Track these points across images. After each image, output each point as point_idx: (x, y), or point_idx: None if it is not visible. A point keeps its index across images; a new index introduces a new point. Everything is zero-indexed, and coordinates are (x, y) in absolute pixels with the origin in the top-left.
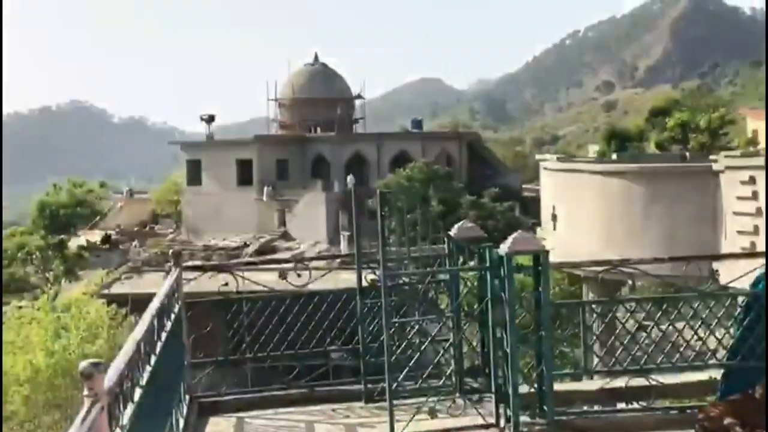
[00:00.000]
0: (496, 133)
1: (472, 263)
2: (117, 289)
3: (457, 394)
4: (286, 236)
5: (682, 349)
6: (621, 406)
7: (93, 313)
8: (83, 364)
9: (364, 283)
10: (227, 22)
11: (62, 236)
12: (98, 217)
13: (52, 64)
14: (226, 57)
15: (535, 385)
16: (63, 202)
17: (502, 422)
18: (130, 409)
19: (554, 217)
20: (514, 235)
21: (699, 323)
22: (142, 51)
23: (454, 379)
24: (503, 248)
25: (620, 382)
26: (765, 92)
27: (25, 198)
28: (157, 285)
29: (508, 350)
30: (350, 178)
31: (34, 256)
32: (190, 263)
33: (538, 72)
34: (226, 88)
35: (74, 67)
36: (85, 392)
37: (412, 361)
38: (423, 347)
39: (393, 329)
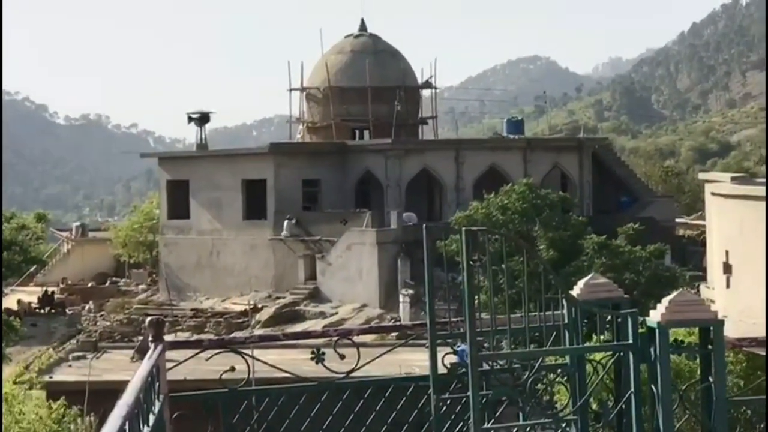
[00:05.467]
0: (636, 138)
1: (604, 339)
2: (63, 374)
3: None
4: (317, 296)
5: None
6: None
7: (30, 413)
8: None
9: (441, 369)
10: None
11: None
12: (34, 267)
13: None
14: (223, 24)
15: None
16: None
17: None
18: None
19: (727, 268)
20: (671, 296)
21: None
22: (99, 21)
23: None
24: (654, 316)
25: None
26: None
27: None
28: (124, 370)
29: None
30: (408, 215)
31: None
32: (174, 338)
33: (698, 47)
34: (224, 72)
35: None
36: None
37: None
38: None
39: None
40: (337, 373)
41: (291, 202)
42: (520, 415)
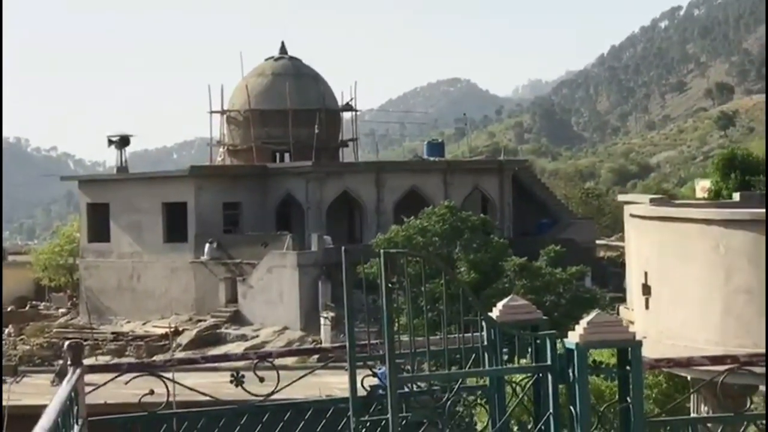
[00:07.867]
0: (556, 160)
1: (524, 361)
2: None
3: None
4: (238, 318)
5: None
6: None
7: None
8: None
9: (361, 391)
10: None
11: None
12: None
13: None
14: (143, 47)
15: None
16: None
17: None
18: None
19: (646, 289)
20: (589, 317)
21: None
22: (17, 41)
23: None
24: (573, 338)
25: None
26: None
27: None
28: (44, 394)
29: None
30: (327, 239)
31: None
32: (94, 361)
33: (618, 70)
34: (145, 95)
35: None
36: None
37: None
38: None
39: None
40: (256, 395)
41: (212, 225)
42: None
